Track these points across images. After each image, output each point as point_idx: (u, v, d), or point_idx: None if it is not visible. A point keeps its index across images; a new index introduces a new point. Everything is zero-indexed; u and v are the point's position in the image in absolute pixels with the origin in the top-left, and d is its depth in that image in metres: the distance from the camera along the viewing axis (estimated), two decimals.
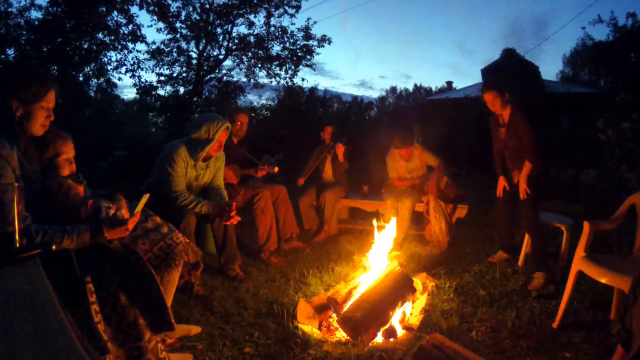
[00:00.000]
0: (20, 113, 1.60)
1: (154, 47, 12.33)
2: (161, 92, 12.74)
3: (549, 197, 3.32)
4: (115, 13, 10.77)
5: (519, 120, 3.09)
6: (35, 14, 10.66)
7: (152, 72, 12.54)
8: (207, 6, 12.22)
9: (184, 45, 12.54)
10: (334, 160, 4.45)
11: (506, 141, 3.21)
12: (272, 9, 12.45)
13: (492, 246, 3.79)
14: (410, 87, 54.06)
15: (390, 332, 2.24)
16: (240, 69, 13.22)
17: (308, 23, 12.73)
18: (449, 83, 26.03)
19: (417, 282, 2.73)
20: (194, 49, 12.69)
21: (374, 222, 3.05)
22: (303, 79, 13.35)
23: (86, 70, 11.32)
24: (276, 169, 3.92)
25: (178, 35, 12.32)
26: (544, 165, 3.17)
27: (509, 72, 14.02)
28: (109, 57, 11.73)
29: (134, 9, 12.74)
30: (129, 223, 1.71)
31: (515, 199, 3.10)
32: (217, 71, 13.12)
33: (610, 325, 2.25)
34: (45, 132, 1.71)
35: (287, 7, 12.45)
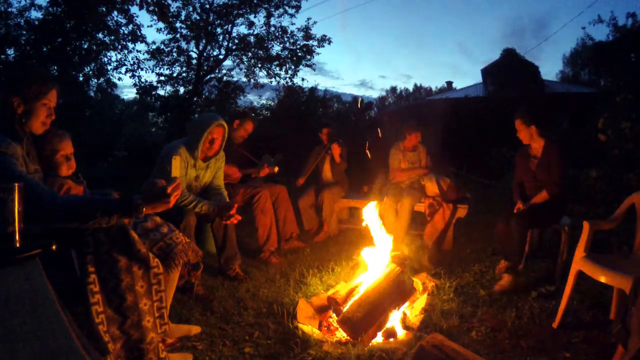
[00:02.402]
0: (22, 110, 1.61)
1: (154, 47, 12.38)
2: (161, 92, 12.79)
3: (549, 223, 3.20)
4: (115, 13, 10.80)
5: (553, 155, 2.98)
6: (35, 14, 10.69)
7: (152, 72, 12.60)
8: (207, 6, 12.25)
9: (184, 45, 12.59)
10: (332, 160, 4.45)
11: (536, 173, 3.08)
12: (272, 9, 12.48)
13: (492, 246, 3.79)
14: (411, 87, 54.06)
15: (390, 332, 2.24)
16: (240, 69, 13.26)
17: (308, 23, 12.77)
18: (449, 83, 26.06)
19: (417, 282, 2.73)
20: (194, 49, 12.73)
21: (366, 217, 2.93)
22: (303, 79, 13.40)
23: (86, 70, 11.36)
24: (276, 169, 3.92)
25: (178, 35, 12.35)
26: (560, 207, 3.06)
27: (509, 72, 14.04)
28: (109, 57, 11.78)
29: (134, 9, 12.74)
30: (169, 189, 1.53)
31: (523, 217, 2.93)
32: (217, 71, 13.15)
33: (611, 325, 2.25)
34: (45, 131, 1.71)
35: (287, 7, 12.49)
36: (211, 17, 12.35)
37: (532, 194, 3.07)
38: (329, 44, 12.93)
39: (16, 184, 1.09)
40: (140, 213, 1.51)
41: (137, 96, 13.29)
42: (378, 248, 2.76)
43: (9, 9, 10.21)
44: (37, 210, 1.38)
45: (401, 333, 2.26)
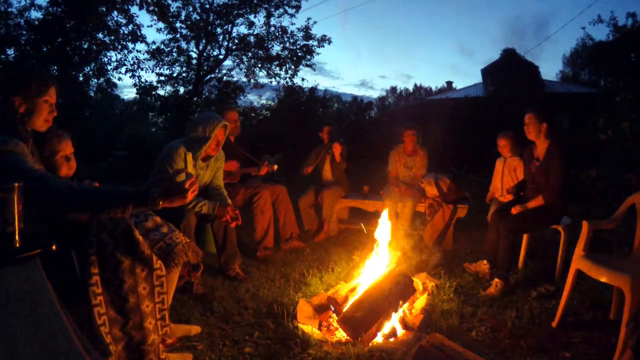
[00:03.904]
0: (24, 109, 1.61)
1: (154, 47, 12.38)
2: (161, 92, 12.79)
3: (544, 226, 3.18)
4: (115, 13, 10.80)
5: (554, 160, 2.86)
6: (35, 14, 10.68)
7: (152, 72, 12.60)
8: (207, 6, 12.25)
9: (184, 45, 12.60)
10: (332, 160, 4.45)
11: (535, 175, 3.01)
12: (272, 9, 12.49)
13: None
14: (411, 87, 54.07)
15: (390, 332, 2.24)
16: (240, 69, 13.27)
17: (308, 23, 12.78)
18: (449, 83, 26.08)
19: (417, 282, 2.73)
20: (194, 49, 12.74)
21: (379, 221, 2.94)
22: (303, 79, 13.42)
23: (86, 70, 11.35)
24: (275, 167, 3.92)
25: (178, 35, 12.35)
26: (554, 213, 2.97)
27: (509, 72, 14.04)
28: (109, 57, 11.78)
29: (134, 9, 12.74)
30: (187, 184, 1.51)
31: (513, 222, 2.92)
32: (217, 71, 13.15)
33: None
34: (48, 128, 1.72)
35: (287, 7, 12.50)
36: (211, 17, 12.35)
37: (530, 196, 3.02)
38: (329, 44, 12.95)
39: (16, 184, 1.09)
40: (157, 206, 1.48)
41: (137, 96, 13.30)
42: (378, 248, 2.76)
43: (9, 9, 10.22)
44: (54, 200, 1.40)
45: (401, 333, 2.26)
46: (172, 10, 11.71)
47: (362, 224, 2.84)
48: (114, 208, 1.45)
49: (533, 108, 3.02)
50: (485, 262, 3.12)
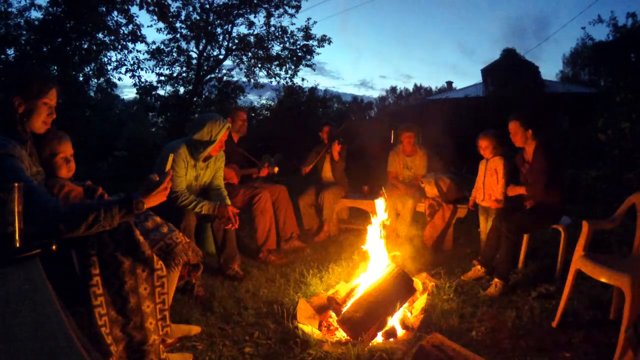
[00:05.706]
0: (23, 109, 1.61)
1: (154, 47, 12.35)
2: (161, 92, 12.77)
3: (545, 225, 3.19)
4: (115, 13, 10.78)
5: (540, 157, 2.93)
6: (35, 14, 10.69)
7: (152, 72, 12.58)
8: (207, 6, 12.23)
9: (184, 45, 12.57)
10: (332, 160, 4.45)
11: (527, 177, 3.06)
12: (272, 9, 12.46)
13: None
14: (411, 87, 54.10)
15: (390, 332, 2.24)
16: (240, 69, 13.25)
17: (308, 23, 12.75)
18: (449, 83, 26.09)
19: (417, 282, 2.73)
20: (194, 49, 12.72)
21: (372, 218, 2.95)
22: (303, 79, 13.40)
23: (86, 70, 11.32)
24: (276, 169, 3.92)
25: (178, 35, 12.33)
26: (554, 211, 3.00)
27: (509, 72, 14.06)
28: (109, 57, 11.75)
29: (134, 9, 12.77)
30: (165, 182, 1.65)
31: (513, 221, 2.92)
32: (217, 71, 13.13)
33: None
34: (46, 130, 1.72)
35: (287, 7, 12.47)
36: (211, 17, 12.34)
37: (528, 197, 3.06)
38: (329, 44, 12.92)
39: (16, 184, 1.09)
40: (142, 209, 1.58)
41: (137, 96, 13.28)
42: (378, 248, 2.76)
43: (9, 9, 10.20)
44: (40, 222, 1.42)
45: (401, 333, 2.26)
46: (172, 10, 11.70)
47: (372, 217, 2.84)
48: (102, 221, 1.48)
49: (516, 116, 3.05)
50: (479, 267, 3.12)
